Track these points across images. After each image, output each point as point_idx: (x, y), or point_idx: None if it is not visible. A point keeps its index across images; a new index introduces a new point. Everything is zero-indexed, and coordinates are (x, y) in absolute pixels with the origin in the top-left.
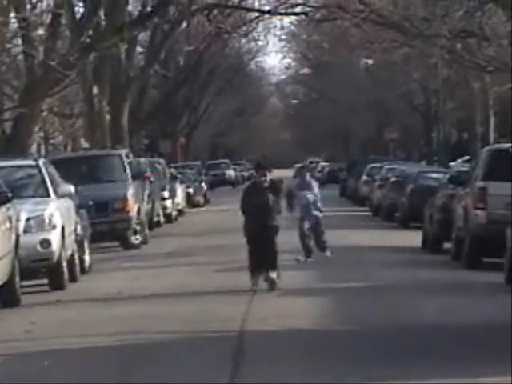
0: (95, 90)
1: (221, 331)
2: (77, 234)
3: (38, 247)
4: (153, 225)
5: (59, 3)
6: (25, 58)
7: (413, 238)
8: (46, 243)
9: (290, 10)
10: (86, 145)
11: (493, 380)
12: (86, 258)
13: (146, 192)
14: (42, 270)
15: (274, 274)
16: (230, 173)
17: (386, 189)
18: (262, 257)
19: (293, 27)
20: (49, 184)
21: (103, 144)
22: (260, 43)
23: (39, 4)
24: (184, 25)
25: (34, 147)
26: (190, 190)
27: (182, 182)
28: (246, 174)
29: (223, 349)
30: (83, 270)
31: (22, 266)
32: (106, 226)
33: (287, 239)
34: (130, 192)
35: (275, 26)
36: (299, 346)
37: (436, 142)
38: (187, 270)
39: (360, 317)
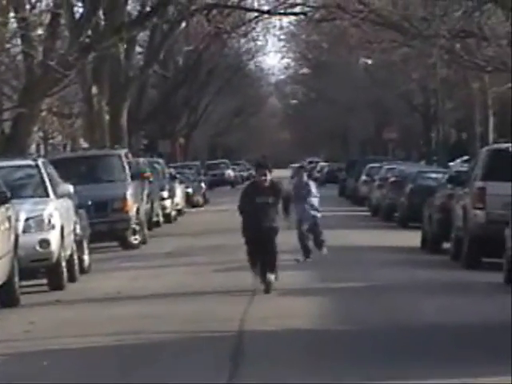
0: (94, 89)
1: (220, 331)
2: (76, 234)
3: (37, 247)
4: (152, 225)
5: (58, 3)
6: (24, 58)
7: (412, 238)
8: (45, 243)
9: (289, 10)
10: (85, 145)
11: (492, 380)
12: (86, 257)
13: (145, 192)
14: (41, 269)
15: (272, 276)
16: (229, 173)
17: (385, 189)
18: (261, 257)
19: (292, 27)
20: (48, 184)
21: (102, 144)
22: (259, 43)
23: (38, 4)
24: (183, 25)
25: (33, 147)
26: (189, 190)
27: (181, 182)
28: (245, 173)
29: (222, 349)
30: (82, 270)
31: (21, 266)
32: (105, 225)
33: (286, 239)
34: (129, 192)
35: (274, 26)
36: (298, 346)
37: (435, 141)
38: (186, 269)
39: (359, 317)
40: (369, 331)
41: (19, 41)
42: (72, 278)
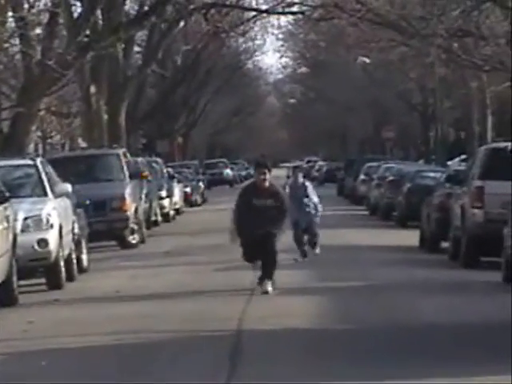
0: (93, 89)
1: (218, 330)
2: (74, 234)
3: (36, 246)
4: (150, 224)
5: (56, 3)
6: (22, 58)
7: (410, 237)
8: (43, 243)
9: (287, 9)
10: (83, 144)
11: (491, 379)
12: (84, 257)
13: (144, 191)
14: (39, 269)
15: (268, 285)
16: (228, 172)
17: (384, 188)
18: (260, 258)
19: (290, 26)
20: (46, 183)
21: (100, 143)
22: (257, 42)
23: (37, 3)
24: (181, 24)
25: (31, 146)
26: (188, 190)
27: (179, 182)
28: (243, 173)
29: (221, 348)
30: (81, 270)
31: (19, 266)
32: (103, 225)
33: (283, 239)
34: (128, 191)
35: (272, 25)
36: (297, 345)
37: (433, 141)
38: (185, 269)
39: (357, 316)
40: (367, 330)
41: (17, 40)
42: (70, 278)
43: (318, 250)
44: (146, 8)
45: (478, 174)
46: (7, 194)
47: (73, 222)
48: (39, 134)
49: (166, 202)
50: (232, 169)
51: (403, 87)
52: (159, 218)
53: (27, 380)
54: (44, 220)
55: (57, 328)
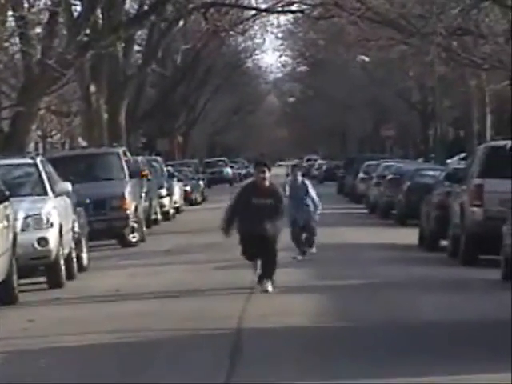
0: (93, 88)
1: (218, 328)
2: (74, 232)
3: (36, 245)
4: (150, 223)
5: (56, 2)
6: (22, 57)
7: (409, 236)
8: (43, 241)
9: (286, 8)
10: (83, 143)
11: (490, 377)
12: (84, 255)
13: (144, 190)
14: (39, 267)
15: (268, 285)
16: (228, 171)
17: (383, 186)
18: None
19: (290, 25)
20: (46, 182)
21: (101, 142)
22: (257, 41)
23: (37, 2)
24: (181, 23)
25: (31, 145)
26: (188, 188)
27: (179, 180)
28: (243, 171)
29: (221, 346)
30: (81, 268)
31: (19, 264)
32: (103, 224)
33: (282, 237)
34: (128, 190)
35: (272, 24)
36: (296, 343)
37: (433, 139)
38: (185, 267)
39: (357, 314)
40: (367, 328)
41: (17, 39)
42: (71, 276)
43: (314, 250)
44: (146, 7)
45: (478, 172)
46: (7, 193)
47: (73, 221)
48: (39, 133)
49: (165, 201)
50: (232, 167)
51: (403, 85)
52: (159, 217)
53: (27, 378)
54: (44, 219)
55: (57, 326)
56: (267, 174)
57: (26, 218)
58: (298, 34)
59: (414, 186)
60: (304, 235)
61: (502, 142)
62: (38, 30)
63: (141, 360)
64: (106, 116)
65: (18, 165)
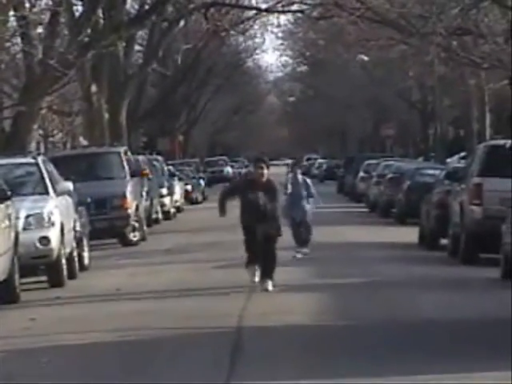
0: (94, 88)
1: (219, 327)
2: (76, 232)
3: (38, 244)
4: (151, 222)
5: (58, 2)
6: (24, 57)
7: (409, 234)
8: (45, 240)
9: (286, 8)
10: (84, 142)
11: (490, 375)
12: (85, 255)
13: (145, 189)
14: (41, 267)
15: (269, 284)
16: (228, 170)
17: (383, 185)
18: (260, 254)
19: (290, 25)
20: (48, 182)
21: (102, 142)
22: (257, 41)
23: (38, 2)
24: (182, 23)
25: (33, 145)
26: (188, 187)
27: (180, 179)
28: (243, 170)
29: (221, 345)
30: (82, 267)
31: (21, 263)
32: (104, 223)
33: (283, 237)
34: (129, 189)
35: (272, 24)
36: (297, 342)
37: (433, 138)
38: (185, 266)
39: (357, 312)
40: (367, 327)
41: (19, 39)
42: (72, 275)
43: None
44: (147, 7)
45: (477, 171)
46: (9, 192)
47: (74, 220)
48: (41, 132)
49: (166, 200)
50: (232, 166)
51: (402, 85)
52: (160, 216)
53: (28, 377)
54: (46, 218)
55: (58, 325)
56: (265, 171)
57: (27, 217)
58: (298, 34)
59: (414, 184)
60: (301, 230)
61: (501, 141)
62: (40, 30)
63: (141, 359)
64: (106, 115)
65: (20, 164)
